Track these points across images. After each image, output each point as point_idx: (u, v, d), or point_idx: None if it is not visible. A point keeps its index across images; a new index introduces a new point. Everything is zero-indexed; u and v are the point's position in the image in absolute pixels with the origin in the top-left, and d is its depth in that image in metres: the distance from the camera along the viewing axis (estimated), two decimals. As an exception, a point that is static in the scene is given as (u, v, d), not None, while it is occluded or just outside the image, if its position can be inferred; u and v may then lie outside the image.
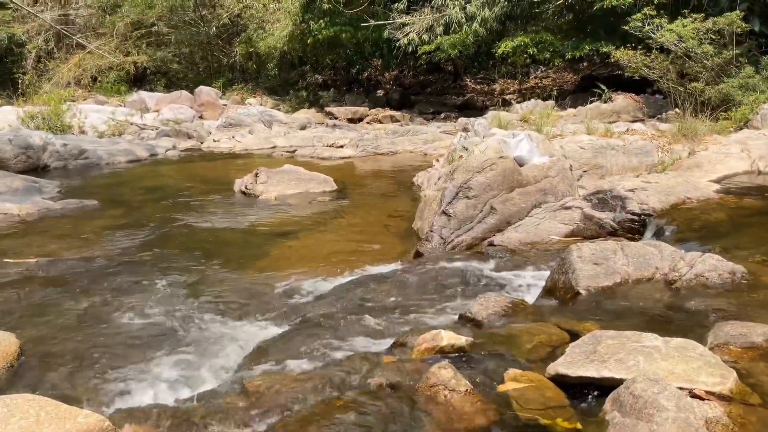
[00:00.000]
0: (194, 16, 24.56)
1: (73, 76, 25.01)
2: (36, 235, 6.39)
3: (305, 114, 17.56)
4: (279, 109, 19.39)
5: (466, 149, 7.29)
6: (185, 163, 12.00)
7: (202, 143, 14.08)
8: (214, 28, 24.40)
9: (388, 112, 18.18)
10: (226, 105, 20.07)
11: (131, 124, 15.86)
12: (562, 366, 2.57)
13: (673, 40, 9.84)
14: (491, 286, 4.31)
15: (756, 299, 3.36)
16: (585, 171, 6.53)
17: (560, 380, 2.55)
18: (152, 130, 15.30)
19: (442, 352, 2.86)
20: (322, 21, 18.32)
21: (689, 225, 4.78)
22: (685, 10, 10.03)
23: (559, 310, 3.47)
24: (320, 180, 8.35)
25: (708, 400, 2.31)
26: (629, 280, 3.68)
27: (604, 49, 13.25)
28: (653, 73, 10.30)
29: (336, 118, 17.40)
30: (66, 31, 23.58)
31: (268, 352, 3.43)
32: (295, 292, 4.63)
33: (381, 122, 17.05)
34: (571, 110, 12.87)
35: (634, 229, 5.17)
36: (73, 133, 14.53)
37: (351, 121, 17.42)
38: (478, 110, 16.72)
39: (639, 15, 10.38)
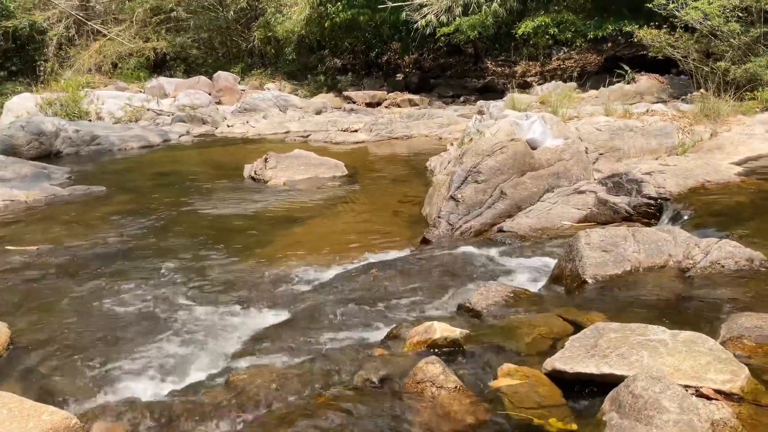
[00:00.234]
0: (213, 1, 24.48)
1: (93, 63, 25.04)
2: (41, 221, 6.35)
3: (321, 99, 17.40)
4: (297, 94, 19.26)
5: (480, 132, 7.09)
6: (197, 148, 11.93)
7: (216, 128, 14.00)
8: (232, 12, 24.29)
9: (407, 95, 17.92)
10: (244, 90, 19.95)
11: (148, 110, 15.84)
12: (559, 361, 2.41)
13: (699, 18, 9.47)
14: (497, 273, 4.14)
15: (775, 289, 3.15)
16: (601, 154, 6.30)
17: (557, 376, 2.39)
18: (168, 115, 15.26)
19: (435, 346, 2.71)
20: (339, 4, 18.11)
21: (707, 209, 4.56)
22: (711, -13, 9.63)
23: (564, 300, 3.30)
24: (331, 165, 8.20)
25: (716, 399, 2.13)
26: (640, 268, 3.49)
27: (627, 29, 12.87)
28: (677, 52, 9.94)
29: (354, 103, 17.22)
30: (82, 18, 23.61)
31: (261, 343, 3.32)
32: (297, 279, 4.51)
33: (399, 106, 16.82)
34: (593, 92, 12.52)
35: (649, 213, 4.95)
36: (90, 119, 14.56)
37: (369, 105, 17.21)
38: (498, 93, 16.40)
39: (664, -8, 10.00)
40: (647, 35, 10.58)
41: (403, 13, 16.61)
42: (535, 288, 3.73)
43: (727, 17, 9.20)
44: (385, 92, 18.42)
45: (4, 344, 3.50)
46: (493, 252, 4.59)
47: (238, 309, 3.94)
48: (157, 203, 7.00)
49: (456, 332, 2.71)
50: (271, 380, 2.60)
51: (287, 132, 12.97)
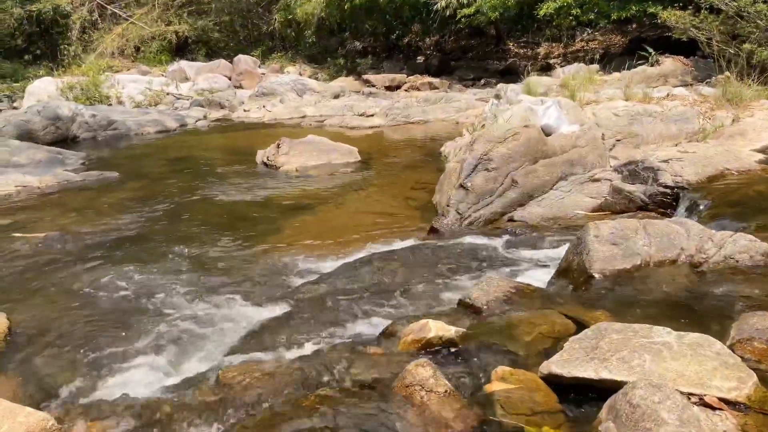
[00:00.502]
0: (234, -17, 24.44)
1: (116, 47, 25.14)
2: (52, 207, 6.35)
3: (340, 82, 17.26)
4: (317, 77, 19.15)
5: (496, 117, 6.93)
6: (213, 133, 11.90)
7: (233, 113, 13.96)
8: (253, -6, 24.23)
9: (427, 78, 17.70)
10: (264, 74, 19.88)
11: (167, 94, 15.86)
12: (556, 365, 2.30)
13: (725, -1, 9.18)
14: (503, 266, 4.02)
15: (792, 286, 3.00)
16: (618, 140, 6.11)
17: (554, 381, 2.28)
18: (186, 100, 15.26)
19: (430, 345, 2.61)
20: (359, -16, 17.91)
21: (725, 199, 4.38)
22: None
23: (569, 296, 3.17)
24: (344, 151, 8.10)
25: (720, 409, 2.01)
26: (650, 262, 3.35)
27: (651, 10, 12.54)
28: (701, 34, 9.64)
29: (373, 86, 17.05)
30: (103, 2, 23.66)
31: (256, 338, 3.26)
32: (302, 270, 4.44)
33: (419, 89, 16.62)
34: (616, 74, 12.22)
35: (666, 203, 4.78)
36: (110, 104, 14.62)
37: (389, 88, 17.04)
38: (520, 75, 16.12)
39: (688, -28, 9.70)
40: (671, 17, 10.30)
41: (423, -6, 16.38)
42: (541, 282, 3.61)
43: (755, -2, 8.90)
44: (405, 75, 18.23)
45: (2, 335, 3.48)
46: (502, 243, 4.47)
47: (239, 301, 3.88)
48: (168, 189, 6.97)
49: (451, 331, 2.62)
50: (260, 379, 2.53)
51: (303, 116, 12.88)
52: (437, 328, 2.62)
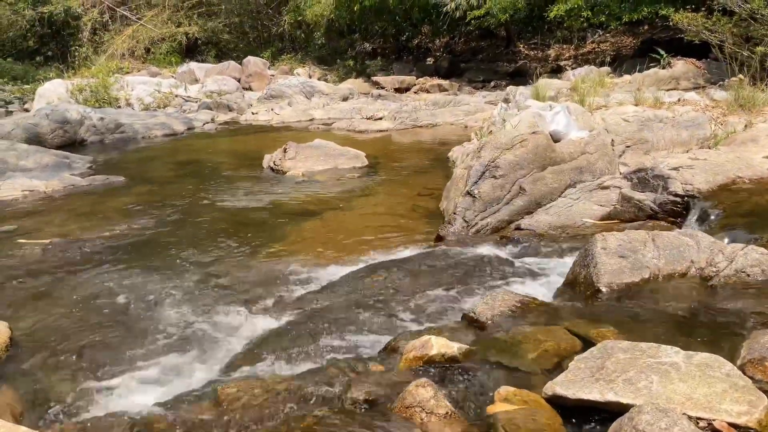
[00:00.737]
0: (244, -16, 24.47)
1: (126, 48, 25.22)
2: (58, 212, 6.34)
3: (349, 84, 17.22)
4: (326, 79, 19.11)
5: (504, 121, 6.86)
6: (220, 136, 11.89)
7: (241, 116, 13.94)
8: (262, -5, 24.26)
9: (436, 81, 17.65)
10: (273, 75, 19.88)
11: (176, 96, 15.87)
12: (561, 386, 2.24)
13: (738, 1, 9.05)
14: (509, 277, 3.95)
15: (805, 302, 2.92)
16: (628, 146, 6.02)
17: (559, 402, 2.22)
18: (195, 102, 15.26)
19: (432, 362, 2.56)
20: (368, -14, 17.87)
21: (737, 209, 4.30)
22: (752, -32, 9.19)
23: (575, 310, 3.11)
24: (351, 155, 8.05)
25: (729, 435, 1.95)
26: (659, 275, 3.28)
27: (663, 12, 12.42)
28: (714, 36, 9.53)
29: (383, 88, 17.01)
30: (112, 4, 23.75)
31: (257, 351, 3.21)
32: (305, 279, 4.39)
33: (428, 92, 16.57)
34: (627, 77, 12.11)
35: (676, 212, 4.70)
36: (119, 106, 14.65)
37: (398, 90, 16.99)
38: (530, 77, 16.03)
39: (701, -26, 9.59)
40: (683, 19, 10.19)
41: (433, -4, 16.33)
42: (547, 294, 3.55)
43: (768, 0, 8.79)
44: (414, 77, 18.17)
45: (3, 345, 3.46)
46: (508, 252, 4.41)
47: (241, 311, 3.84)
48: (174, 194, 6.95)
49: (454, 348, 2.56)
50: (259, 396, 2.49)
51: (311, 119, 12.85)
52: (439, 345, 2.57)
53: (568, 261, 3.99)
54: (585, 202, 5.16)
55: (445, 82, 17.19)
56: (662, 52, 12.03)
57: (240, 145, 10.79)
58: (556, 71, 16.61)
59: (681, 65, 12.19)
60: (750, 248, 3.28)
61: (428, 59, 21.86)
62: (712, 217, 4.34)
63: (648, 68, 11.90)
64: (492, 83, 17.57)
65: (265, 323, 3.64)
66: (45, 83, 15.81)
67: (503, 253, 4.40)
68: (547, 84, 9.63)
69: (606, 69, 13.52)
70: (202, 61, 22.71)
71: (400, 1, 17.84)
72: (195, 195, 6.92)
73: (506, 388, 2.29)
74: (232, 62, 20.18)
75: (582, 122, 6.04)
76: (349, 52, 22.52)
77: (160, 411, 2.57)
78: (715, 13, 9.67)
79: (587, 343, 2.65)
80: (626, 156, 5.94)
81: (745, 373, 2.28)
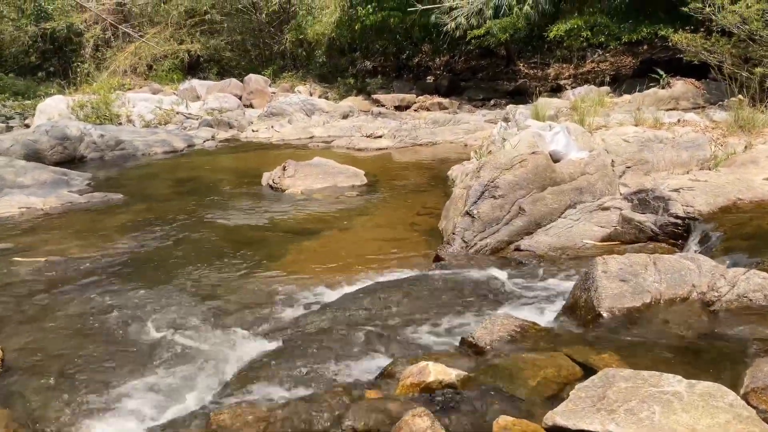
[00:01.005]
0: (246, 4, 24.61)
1: (129, 65, 25.33)
2: (55, 230, 6.31)
3: (349, 102, 17.24)
4: (327, 97, 19.16)
5: (504, 140, 6.85)
6: (220, 154, 11.87)
7: (242, 133, 13.95)
8: (264, 15, 24.39)
9: (436, 99, 17.68)
10: (275, 93, 19.92)
11: (177, 113, 15.89)
12: (561, 416, 2.18)
13: (736, 22, 9.08)
14: (508, 299, 3.91)
15: (809, 328, 2.87)
16: (628, 167, 6.00)
17: (558, 432, 2.16)
18: (196, 119, 15.28)
19: (429, 390, 2.51)
20: (369, 6, 17.96)
21: (738, 231, 4.25)
22: (750, -10, 9.22)
23: (576, 336, 3.06)
24: (350, 173, 8.02)
25: (734, 469, 1.90)
26: (660, 300, 3.24)
27: (662, 32, 12.47)
28: (713, 57, 9.55)
29: (383, 106, 17.03)
30: (113, 21, 23.88)
31: (251, 375, 3.15)
32: (301, 300, 4.34)
33: (429, 110, 16.59)
34: (626, 96, 12.15)
35: (677, 234, 4.67)
36: (120, 122, 14.66)
37: (398, 108, 17.02)
38: (530, 96, 16.06)
39: (700, -5, 9.62)
40: (682, 39, 10.21)
41: (433, 16, 16.38)
42: (548, 318, 3.51)
43: (767, 21, 8.80)
44: (415, 95, 18.21)
45: (-6, 367, 3.41)
46: (507, 274, 4.36)
47: (236, 333, 3.79)
48: (172, 212, 6.91)
49: (452, 375, 2.51)
50: (252, 424, 2.44)
51: (311, 137, 12.85)
52: (437, 372, 2.52)
53: (569, 284, 3.95)
54: (585, 223, 5.12)
55: (445, 101, 17.21)
56: (661, 72, 12.07)
57: (240, 162, 10.77)
58: (556, 90, 16.66)
59: (680, 85, 12.23)
60: (752, 273, 3.23)
61: (428, 77, 21.94)
62: (713, 240, 4.29)
63: (647, 88, 11.94)
64: (492, 102, 17.61)
65: (260, 345, 3.59)
66: (46, 99, 15.83)
67: (502, 274, 4.36)
68: (546, 103, 9.64)
69: (605, 88, 13.56)
70: (204, 79, 22.80)
71: (400, 20, 17.92)
72: (193, 213, 6.89)
73: (505, 418, 2.23)
74: (234, 80, 20.25)
75: (582, 142, 6.02)
76: (350, 70, 22.61)
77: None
78: (713, 34, 9.69)
79: (588, 370, 2.60)
80: (626, 177, 5.91)
81: (749, 403, 2.24)
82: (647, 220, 4.84)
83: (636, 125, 6.88)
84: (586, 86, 14.61)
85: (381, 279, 4.61)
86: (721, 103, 10.22)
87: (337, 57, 23.25)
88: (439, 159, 9.89)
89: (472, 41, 16.75)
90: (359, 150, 11.13)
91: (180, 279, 4.84)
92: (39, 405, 3.07)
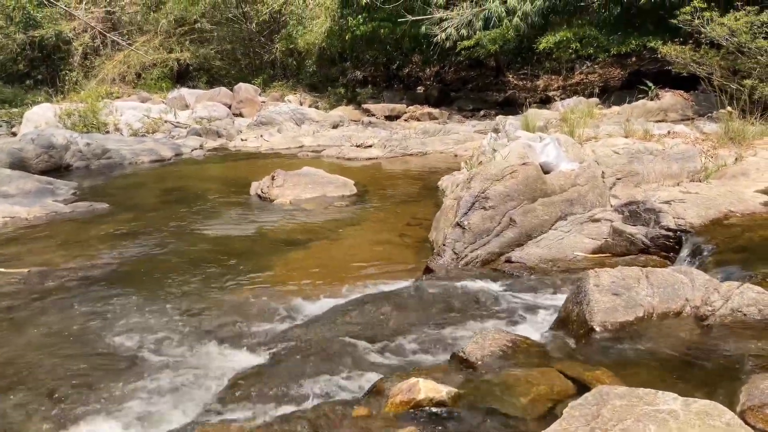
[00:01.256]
0: (236, 13, 24.57)
1: (117, 73, 25.21)
2: (39, 240, 6.20)
3: (339, 112, 17.23)
4: (317, 106, 19.13)
5: (495, 151, 6.82)
6: (208, 163, 11.78)
7: (230, 142, 13.87)
8: (255, 24, 24.35)
9: (426, 109, 17.70)
10: (264, 102, 19.87)
11: (165, 121, 15.79)
12: (554, 435, 2.12)
13: (725, 35, 9.14)
14: (499, 312, 3.85)
15: (803, 343, 2.83)
16: (619, 178, 5.98)
17: (552, 453, 2.10)
18: (184, 128, 15.18)
19: (419, 407, 2.44)
20: (360, 17, 17.98)
21: (730, 244, 4.22)
22: (738, 3, 9.29)
23: (568, 351, 3.00)
24: (339, 183, 7.97)
25: (732, 491, 1.84)
26: (653, 314, 3.19)
27: (651, 44, 12.54)
28: (702, 69, 9.60)
29: (373, 116, 17.03)
30: (102, 30, 23.77)
31: (237, 391, 3.07)
32: (289, 312, 4.27)
33: (419, 120, 16.61)
34: (615, 108, 12.21)
35: (668, 246, 4.63)
36: (108, 131, 14.54)
37: (388, 118, 17.02)
38: (519, 107, 16.10)
39: (688, 8, 9.69)
40: (671, 51, 10.27)
41: (423, 27, 16.41)
42: (539, 332, 3.44)
43: (755, 34, 8.86)
44: (405, 105, 18.23)
45: (-28, 381, 3.31)
46: (498, 286, 4.31)
47: (222, 347, 3.71)
48: (158, 222, 6.82)
49: (442, 392, 2.44)
50: (236, 443, 2.35)
51: (301, 146, 12.78)
52: (427, 389, 2.45)
53: (560, 297, 3.90)
54: (576, 235, 5.08)
55: (435, 111, 17.24)
56: (650, 84, 12.14)
57: (228, 171, 10.69)
58: (545, 101, 16.72)
59: (669, 97, 12.30)
60: (746, 287, 3.19)
61: (418, 88, 21.98)
62: (705, 253, 4.26)
63: (636, 100, 12.00)
64: (481, 112, 17.65)
65: (245, 360, 3.51)
66: (33, 107, 15.70)
67: (493, 287, 4.30)
68: (536, 114, 9.64)
69: (594, 100, 13.63)
70: (194, 87, 22.71)
71: (391, 30, 17.95)
72: (180, 223, 6.80)
73: (497, 437, 2.17)
74: (223, 88, 20.18)
75: (572, 154, 6.00)
76: (340, 79, 22.61)
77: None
78: (702, 46, 9.75)
79: (581, 387, 2.55)
80: (617, 188, 5.89)
81: (746, 422, 2.18)
82: (638, 232, 4.80)
83: (626, 137, 6.88)
84: (575, 98, 14.69)
85: (370, 291, 4.54)
86: (709, 115, 10.27)
87: (328, 67, 23.24)
88: (429, 169, 9.86)
89: (462, 52, 16.80)
90: (349, 160, 11.08)
91: (165, 290, 4.75)
92: (18, 420, 2.98)
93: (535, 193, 5.31)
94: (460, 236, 5.09)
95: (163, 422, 2.91)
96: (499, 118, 10.82)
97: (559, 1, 14.73)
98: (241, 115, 17.97)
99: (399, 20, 16.88)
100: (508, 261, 4.92)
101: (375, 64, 23.17)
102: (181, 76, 25.67)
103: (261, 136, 13.66)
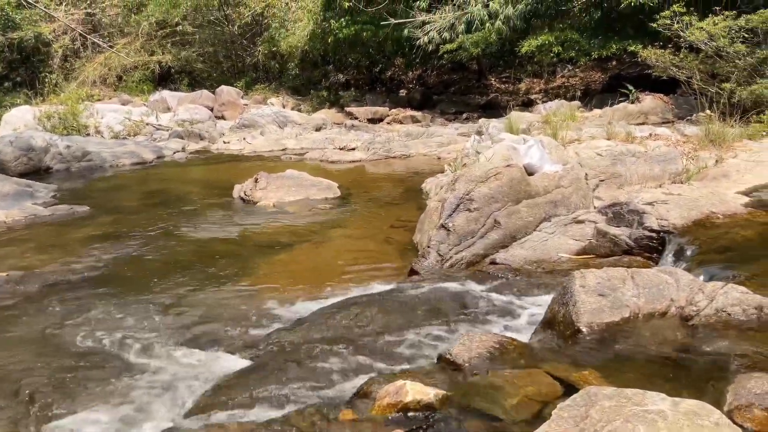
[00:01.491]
0: (218, 16, 24.42)
1: (98, 75, 24.93)
2: (17, 244, 6.10)
3: (322, 115, 17.17)
4: (300, 109, 19.04)
5: (478, 154, 6.82)
6: (190, 166, 11.68)
7: (213, 145, 13.77)
8: (237, 27, 24.21)
9: (409, 112, 17.70)
10: (247, 105, 19.74)
11: (147, 124, 15.63)
12: (543, 437, 2.11)
13: (703, 39, 9.24)
14: (485, 314, 3.84)
15: (787, 342, 2.85)
16: (602, 180, 6.01)
17: (541, 455, 2.09)
18: (166, 130, 15.04)
19: (407, 410, 2.42)
20: (342, 20, 17.95)
21: (713, 245, 4.26)
22: (717, 7, 9.40)
23: (556, 352, 3.00)
24: (323, 186, 7.93)
25: (722, 491, 1.84)
26: (639, 314, 3.19)
27: (632, 48, 12.64)
28: (681, 73, 9.70)
29: (356, 119, 17.00)
30: (82, 32, 23.53)
31: (219, 396, 3.03)
32: (273, 316, 4.23)
33: (401, 123, 16.59)
34: (597, 111, 12.30)
35: (652, 247, 4.65)
36: (88, 133, 14.37)
37: (371, 121, 16.99)
38: (502, 110, 16.15)
39: (667, 12, 9.78)
40: (651, 55, 10.37)
41: (406, 30, 16.42)
42: (525, 333, 3.44)
43: (733, 38, 8.97)
44: (388, 108, 18.21)
45: (-53, 387, 3.23)
46: (483, 288, 4.30)
47: (205, 351, 3.66)
48: (139, 225, 6.74)
49: (430, 395, 2.43)
50: (221, 447, 2.31)
51: (284, 149, 12.72)
52: (415, 392, 2.43)
53: (546, 298, 3.90)
54: (560, 237, 5.09)
55: (417, 114, 17.24)
56: (631, 88, 12.24)
57: (210, 174, 10.61)
58: (527, 104, 16.79)
59: (649, 100, 12.42)
60: (730, 287, 3.21)
61: (401, 91, 21.99)
62: (688, 253, 4.29)
63: (617, 103, 12.09)
64: (464, 115, 17.68)
65: (229, 364, 3.47)
66: (12, 110, 15.47)
67: (479, 289, 4.29)
68: (519, 117, 9.68)
69: (576, 103, 13.71)
70: (175, 90, 22.51)
71: (373, 33, 17.93)
72: (161, 226, 6.72)
73: (486, 439, 2.16)
74: (206, 91, 20.03)
75: (555, 156, 6.01)
76: (323, 82, 22.55)
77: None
78: (682, 50, 9.85)
79: (569, 388, 2.54)
80: (600, 190, 5.92)
81: (734, 421, 2.19)
82: (622, 233, 4.82)
83: (608, 139, 6.91)
84: (557, 101, 14.76)
85: (355, 293, 4.51)
86: (689, 117, 10.37)
87: (310, 70, 23.18)
88: (412, 172, 9.85)
89: (445, 55, 16.82)
90: (332, 162, 11.04)
91: (146, 294, 4.69)
92: (-6, 428, 2.91)
93: (519, 194, 5.32)
94: (444, 238, 5.08)
95: (145, 426, 2.85)
96: (482, 120, 10.83)
97: (540, 5, 14.80)
98: (223, 117, 17.85)
99: (382, 23, 16.88)
100: (493, 263, 4.91)
101: (358, 67, 23.15)
102: (163, 79, 25.46)
103: (243, 138, 13.58)
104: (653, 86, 12.54)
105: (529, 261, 4.85)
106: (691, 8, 9.86)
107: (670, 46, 10.29)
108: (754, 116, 7.68)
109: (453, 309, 3.96)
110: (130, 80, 24.70)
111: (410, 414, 2.39)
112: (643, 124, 10.36)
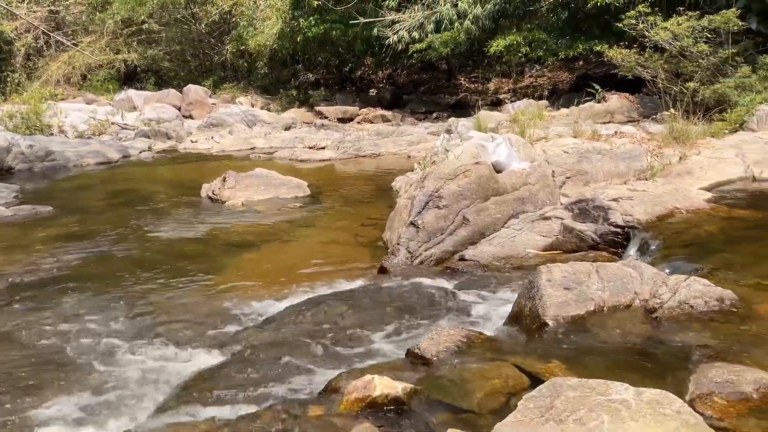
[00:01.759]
0: (185, 13, 24.13)
1: (62, 74, 24.48)
2: (-23, 245, 5.96)
3: (292, 114, 17.09)
4: (269, 108, 18.92)
5: (447, 152, 6.85)
6: (157, 165, 11.54)
7: (180, 144, 13.61)
8: (204, 25, 23.97)
9: (379, 111, 17.71)
10: (215, 104, 19.56)
11: (112, 123, 15.40)
12: (510, 427, 2.12)
13: (668, 39, 9.41)
14: (453, 309, 3.86)
15: (747, 332, 2.92)
16: (568, 177, 6.07)
17: (508, 445, 2.10)
18: (132, 130, 14.84)
19: (375, 405, 2.42)
20: (311, 18, 17.88)
21: (676, 239, 4.34)
22: (681, 8, 9.58)
23: (522, 345, 3.03)
24: (292, 185, 7.89)
25: (683, 477, 1.87)
26: (604, 307, 3.24)
27: (598, 48, 12.82)
28: (647, 72, 9.87)
29: (326, 118, 16.95)
30: (45, 30, 23.09)
31: (188, 393, 3.00)
32: (242, 314, 4.19)
33: (372, 122, 16.59)
34: (564, 110, 12.46)
35: (617, 242, 4.72)
36: (52, 133, 14.10)
37: (341, 120, 16.96)
38: (471, 109, 16.25)
39: (633, 12, 9.94)
40: (617, 55, 10.52)
41: (375, 29, 16.43)
42: (493, 327, 3.47)
43: (696, 38, 9.15)
44: (357, 108, 18.19)
45: None
46: (452, 284, 4.33)
47: (172, 349, 3.62)
48: (105, 225, 6.63)
49: (398, 389, 2.43)
50: (187, 446, 2.29)
51: (252, 148, 12.64)
52: (383, 386, 2.43)
53: (513, 293, 3.93)
54: (528, 233, 5.14)
55: (388, 113, 17.26)
56: (597, 87, 12.42)
57: (178, 173, 10.49)
58: (496, 104, 16.93)
59: (615, 99, 12.63)
60: (692, 279, 3.28)
61: (371, 90, 22.00)
62: (653, 248, 4.37)
63: (584, 102, 12.25)
64: (434, 114, 17.75)
65: (198, 362, 3.44)
66: (-28, 109, 15.12)
67: (448, 285, 4.32)
68: (487, 116, 9.76)
69: (544, 102, 13.86)
70: (142, 89, 22.19)
71: (343, 32, 17.90)
72: (127, 226, 6.62)
73: (453, 431, 2.17)
74: (173, 90, 19.79)
75: (523, 153, 6.07)
76: (293, 81, 22.43)
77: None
78: (647, 50, 10.01)
79: (535, 380, 2.57)
80: (566, 187, 5.99)
81: (695, 409, 2.23)
82: (588, 229, 4.88)
83: (575, 137, 7.00)
84: (525, 100, 14.93)
85: (324, 291, 4.51)
86: (654, 116, 10.56)
87: (279, 69, 23.04)
88: (382, 170, 9.86)
89: (414, 55, 16.87)
90: (302, 161, 11.00)
91: (112, 294, 4.62)
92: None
93: (487, 192, 5.36)
94: (414, 235, 5.09)
95: (113, 426, 2.81)
96: (452, 119, 10.89)
97: (509, 5, 14.93)
98: (191, 117, 17.66)
99: (351, 22, 16.87)
100: (462, 259, 4.94)
101: (327, 67, 23.08)
102: (129, 78, 25.08)
103: (212, 137, 13.45)
104: (619, 86, 12.74)
105: (498, 257, 4.89)
106: (656, 9, 10.04)
107: (635, 46, 10.46)
108: (717, 114, 7.85)
109: (422, 305, 3.97)
110: (95, 79, 24.29)
111: (378, 408, 2.39)
112: (609, 122, 10.52)
